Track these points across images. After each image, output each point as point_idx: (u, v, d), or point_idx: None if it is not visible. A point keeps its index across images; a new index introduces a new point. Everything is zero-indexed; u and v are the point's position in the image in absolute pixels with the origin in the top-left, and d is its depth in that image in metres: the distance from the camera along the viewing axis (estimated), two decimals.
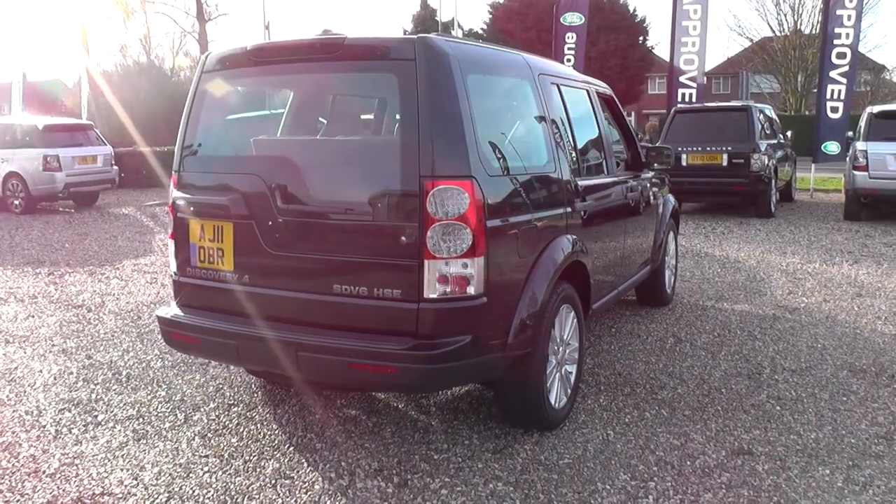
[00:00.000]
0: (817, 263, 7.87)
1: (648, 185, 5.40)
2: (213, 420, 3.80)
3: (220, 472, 3.22)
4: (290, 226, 3.14)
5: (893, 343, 5.08)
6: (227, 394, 4.16)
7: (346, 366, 2.95)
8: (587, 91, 4.54)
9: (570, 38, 17.82)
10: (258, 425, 3.73)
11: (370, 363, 2.91)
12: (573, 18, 17.90)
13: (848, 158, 11.03)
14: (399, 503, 2.95)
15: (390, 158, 2.98)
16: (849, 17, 12.91)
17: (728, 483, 3.14)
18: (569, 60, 17.43)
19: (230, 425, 3.73)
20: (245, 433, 3.63)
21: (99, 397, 4.15)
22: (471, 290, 2.93)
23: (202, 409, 3.94)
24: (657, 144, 7.28)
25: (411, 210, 2.90)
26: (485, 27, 43.51)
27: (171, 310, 3.54)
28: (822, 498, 3.03)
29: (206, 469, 3.25)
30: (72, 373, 4.57)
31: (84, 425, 3.76)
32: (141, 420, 3.82)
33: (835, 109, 13.53)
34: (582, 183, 3.97)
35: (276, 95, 3.69)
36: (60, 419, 3.85)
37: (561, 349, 3.63)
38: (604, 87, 5.01)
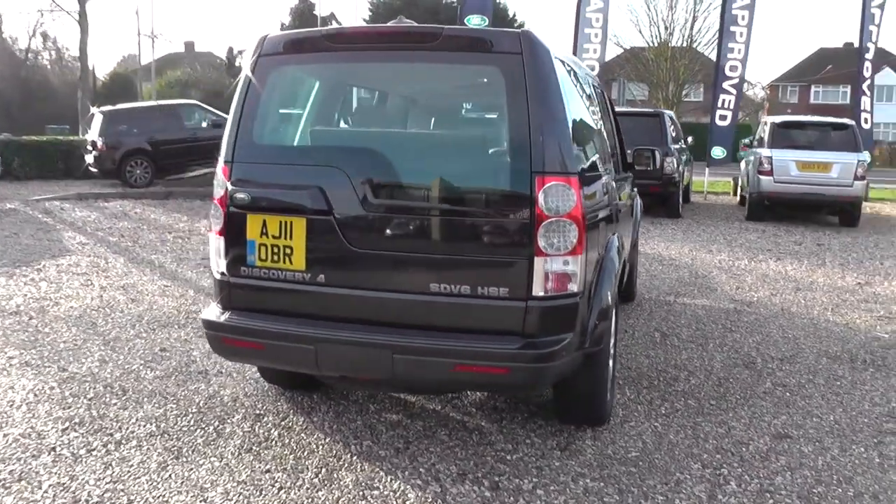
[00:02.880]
0: (745, 261, 8.48)
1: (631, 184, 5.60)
2: (250, 432, 3.53)
3: (295, 488, 2.99)
4: (381, 222, 2.97)
5: (849, 331, 5.56)
6: (247, 403, 3.88)
7: (451, 367, 2.84)
8: (602, 91, 4.64)
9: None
10: (303, 435, 3.50)
11: (479, 364, 2.82)
12: (478, 21, 18.07)
13: (750, 164, 11.98)
14: None
15: (499, 153, 2.90)
16: (741, 35, 14.02)
17: (788, 466, 3.31)
18: None
19: (272, 436, 3.48)
20: (294, 444, 3.40)
21: (102, 413, 3.74)
22: (572, 287, 2.92)
23: (229, 422, 3.65)
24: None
25: (522, 206, 2.84)
26: (364, 24, 43.28)
27: (218, 311, 3.24)
28: (871, 474, 3.27)
29: (276, 485, 3.01)
30: (53, 388, 4.08)
31: (103, 445, 3.37)
32: (166, 436, 3.48)
33: (723, 118, 14.65)
34: (613, 183, 4.06)
35: (351, 83, 3.46)
36: (69, 441, 3.42)
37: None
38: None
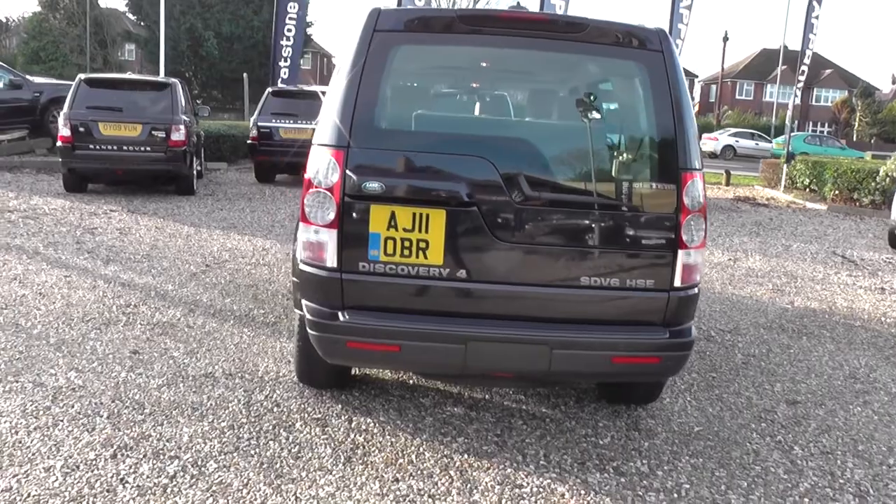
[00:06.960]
0: None
1: None
2: (329, 439, 3.26)
3: (445, 496, 2.85)
4: (530, 215, 2.90)
5: (759, 304, 6.35)
6: (294, 407, 3.56)
7: (608, 360, 2.88)
8: None
9: (293, 7, 17.51)
10: (389, 437, 3.30)
11: (635, 355, 2.90)
12: None
13: None
14: (645, 489, 3.00)
15: (648, 149, 2.95)
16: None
17: (821, 428, 3.78)
18: (289, 31, 17.20)
19: (358, 442, 3.25)
20: (389, 448, 3.21)
21: (140, 433, 3.23)
22: (696, 278, 3.09)
23: (296, 430, 3.34)
24: None
25: (670, 201, 2.94)
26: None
27: (326, 311, 2.94)
28: (882, 430, 3.79)
29: (424, 494, 2.85)
30: (48, 407, 3.44)
31: (182, 470, 2.94)
32: (244, 454, 3.11)
33: None
34: None
35: (486, 68, 3.20)
36: (133, 468, 2.94)
37: None
38: None
